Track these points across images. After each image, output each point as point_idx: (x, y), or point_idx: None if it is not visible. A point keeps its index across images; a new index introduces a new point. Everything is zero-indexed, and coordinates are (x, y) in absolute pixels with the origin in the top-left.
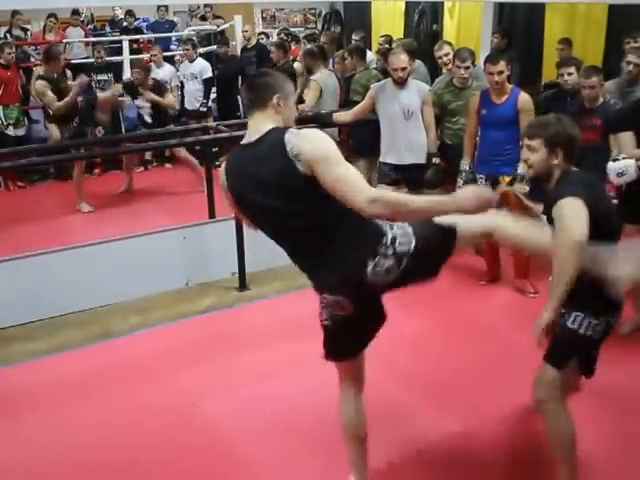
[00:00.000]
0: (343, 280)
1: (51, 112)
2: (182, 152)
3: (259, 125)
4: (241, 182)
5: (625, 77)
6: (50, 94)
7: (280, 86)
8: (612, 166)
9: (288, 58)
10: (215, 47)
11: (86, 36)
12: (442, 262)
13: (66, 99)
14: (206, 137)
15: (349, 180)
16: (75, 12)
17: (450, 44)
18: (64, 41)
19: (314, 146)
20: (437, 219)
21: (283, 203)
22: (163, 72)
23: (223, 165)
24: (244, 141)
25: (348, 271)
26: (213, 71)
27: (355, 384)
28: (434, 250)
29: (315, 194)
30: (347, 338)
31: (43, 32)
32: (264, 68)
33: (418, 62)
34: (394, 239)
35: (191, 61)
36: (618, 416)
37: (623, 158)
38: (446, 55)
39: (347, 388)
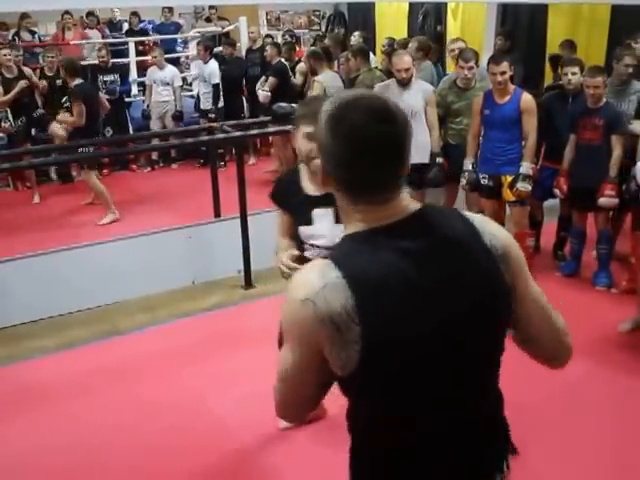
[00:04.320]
0: None
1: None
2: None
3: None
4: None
5: (622, 78)
6: None
7: None
8: None
9: (286, 58)
10: (220, 48)
11: (103, 38)
12: None
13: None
14: (211, 137)
15: None
16: (90, 13)
17: (464, 41)
18: (72, 42)
19: None
20: None
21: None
22: (165, 74)
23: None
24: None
25: None
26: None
27: None
28: None
29: None
30: None
31: (62, 31)
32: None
33: (426, 63)
34: None
35: (205, 62)
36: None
37: None
38: (459, 49)
39: None
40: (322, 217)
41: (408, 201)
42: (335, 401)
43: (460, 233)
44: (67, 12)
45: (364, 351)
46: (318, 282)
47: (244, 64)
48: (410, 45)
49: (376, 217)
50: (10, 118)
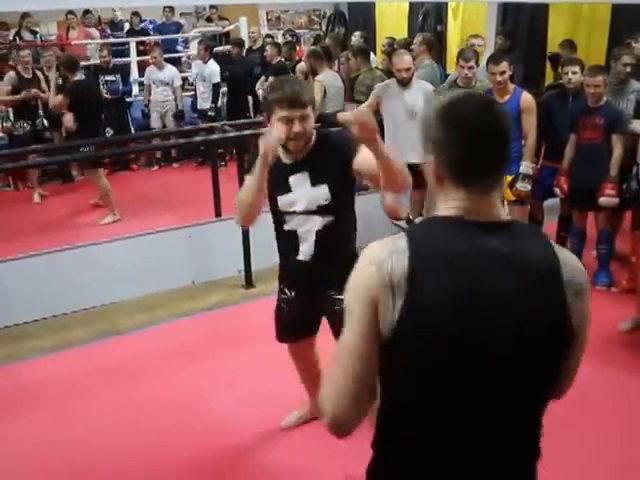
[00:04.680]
0: None
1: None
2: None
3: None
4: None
5: (621, 77)
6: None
7: None
8: None
9: (286, 58)
10: (220, 48)
11: (101, 37)
12: None
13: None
14: (211, 137)
15: None
16: (87, 12)
17: (483, 38)
18: (73, 42)
19: None
20: None
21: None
22: (164, 74)
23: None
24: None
25: None
26: (224, 71)
27: None
28: None
29: None
30: None
31: (67, 30)
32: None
33: (428, 61)
34: None
35: (205, 62)
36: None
37: None
38: (479, 46)
39: None
40: (299, 182)
41: (502, 211)
42: None
43: (542, 255)
44: (71, 12)
45: (404, 313)
46: (388, 249)
47: (250, 63)
48: (415, 40)
49: (471, 208)
50: (11, 118)
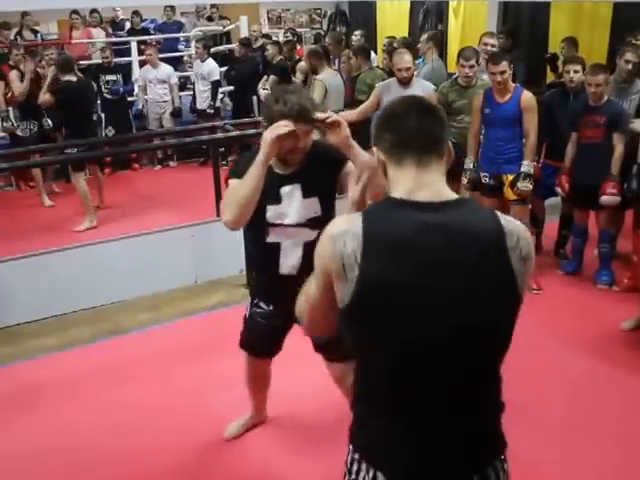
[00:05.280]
0: None
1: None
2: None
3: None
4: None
5: (623, 75)
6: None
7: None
8: None
9: (286, 57)
10: (221, 48)
11: (106, 36)
12: None
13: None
14: (213, 136)
15: None
16: (93, 11)
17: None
18: (73, 42)
19: None
20: None
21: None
22: (159, 72)
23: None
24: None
25: None
26: (230, 71)
27: None
28: None
29: None
30: None
31: (70, 30)
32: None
33: (436, 57)
34: None
35: (202, 61)
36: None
37: None
38: (492, 46)
39: None
40: (290, 194)
41: (448, 190)
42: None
43: (487, 226)
44: (75, 12)
45: (355, 292)
46: (345, 227)
47: (256, 63)
48: (421, 39)
49: (418, 184)
50: (11, 117)
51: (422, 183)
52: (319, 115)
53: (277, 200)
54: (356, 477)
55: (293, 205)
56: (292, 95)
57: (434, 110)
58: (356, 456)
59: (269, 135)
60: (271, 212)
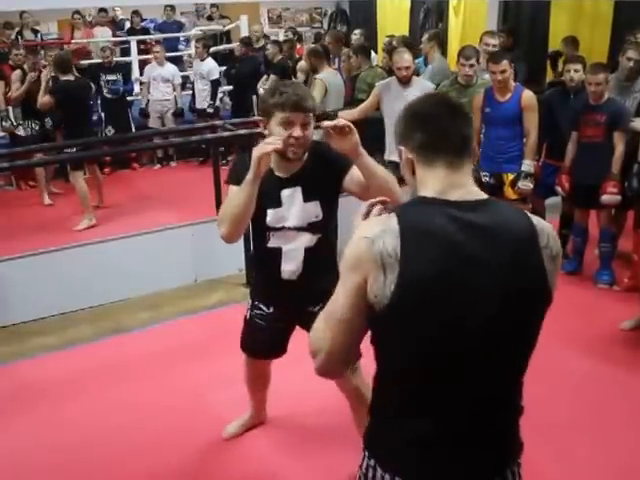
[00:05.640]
0: None
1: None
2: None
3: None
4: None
5: (625, 73)
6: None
7: None
8: None
9: (287, 56)
10: (221, 47)
11: (114, 35)
12: None
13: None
14: (213, 135)
15: None
16: (101, 10)
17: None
18: (73, 41)
19: None
20: None
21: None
22: (164, 71)
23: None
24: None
25: None
26: (230, 70)
27: None
28: None
29: None
30: None
31: (71, 30)
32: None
33: (438, 55)
34: None
35: (202, 60)
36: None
37: None
38: (494, 46)
39: None
40: (291, 197)
41: (479, 190)
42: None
43: (520, 226)
44: (77, 12)
45: (397, 287)
46: (380, 227)
47: (257, 62)
48: (423, 38)
49: (449, 185)
50: (11, 117)
51: (453, 184)
52: (328, 123)
53: (278, 203)
54: None
55: (294, 208)
56: (288, 87)
57: (462, 109)
58: (371, 462)
59: (255, 153)
60: (271, 216)
